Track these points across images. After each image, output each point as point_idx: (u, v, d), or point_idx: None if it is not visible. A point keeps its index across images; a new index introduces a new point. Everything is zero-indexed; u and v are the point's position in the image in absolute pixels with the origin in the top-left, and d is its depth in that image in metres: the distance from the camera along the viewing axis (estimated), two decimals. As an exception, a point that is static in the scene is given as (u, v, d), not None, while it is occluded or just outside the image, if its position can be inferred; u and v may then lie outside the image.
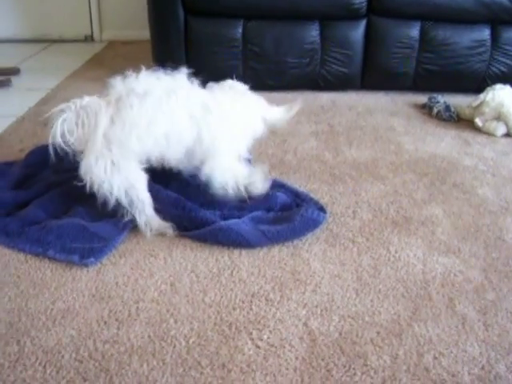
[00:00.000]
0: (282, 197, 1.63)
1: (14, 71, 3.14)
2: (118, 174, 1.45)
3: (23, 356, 1.15)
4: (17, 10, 3.89)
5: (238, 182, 1.60)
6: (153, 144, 1.49)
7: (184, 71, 1.59)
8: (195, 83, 1.61)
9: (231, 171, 1.59)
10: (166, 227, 1.52)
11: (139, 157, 1.50)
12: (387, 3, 2.52)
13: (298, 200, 1.65)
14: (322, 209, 1.60)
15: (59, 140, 1.42)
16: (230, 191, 1.59)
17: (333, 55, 2.57)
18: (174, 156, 1.54)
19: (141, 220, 1.51)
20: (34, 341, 1.19)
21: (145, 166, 1.52)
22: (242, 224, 1.48)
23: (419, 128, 2.28)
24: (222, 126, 1.55)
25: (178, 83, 1.56)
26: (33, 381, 1.09)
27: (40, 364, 1.13)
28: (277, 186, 1.71)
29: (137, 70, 1.55)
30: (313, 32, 2.55)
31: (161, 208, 1.54)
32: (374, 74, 2.64)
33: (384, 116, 2.40)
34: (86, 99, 1.45)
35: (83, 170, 1.44)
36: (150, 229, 1.52)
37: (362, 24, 2.55)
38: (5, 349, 1.17)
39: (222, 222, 1.49)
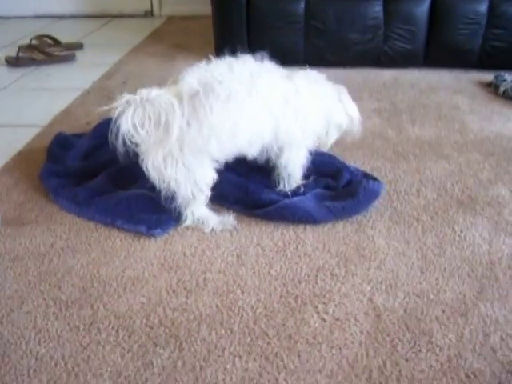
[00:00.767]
0: (345, 175, 1.63)
1: (78, 46, 3.22)
2: (187, 173, 1.38)
3: (97, 320, 1.20)
4: (79, -14, 3.97)
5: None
6: (234, 147, 1.43)
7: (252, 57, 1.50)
8: (270, 66, 1.51)
9: (302, 165, 1.57)
10: (226, 223, 1.49)
11: (215, 158, 1.43)
12: (455, -23, 2.45)
13: (354, 175, 1.66)
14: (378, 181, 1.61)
15: (128, 133, 1.30)
16: (298, 182, 1.60)
17: (396, 31, 2.53)
18: (252, 153, 1.49)
19: (195, 217, 1.48)
20: (106, 306, 1.24)
21: (219, 163, 1.46)
22: (306, 201, 1.49)
23: (484, 107, 2.23)
24: (297, 120, 1.48)
25: (256, 72, 1.44)
26: (106, 343, 1.14)
27: (113, 328, 1.18)
28: (336, 162, 1.72)
29: (206, 59, 1.46)
30: (376, 7, 2.51)
31: (224, 191, 1.54)
32: (437, 51, 2.59)
33: (448, 94, 2.35)
34: (154, 92, 1.31)
35: (150, 166, 1.36)
36: (208, 226, 1.47)
37: (428, -1, 2.50)
38: (79, 312, 1.23)
39: (287, 200, 1.50)
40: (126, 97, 1.30)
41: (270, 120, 1.44)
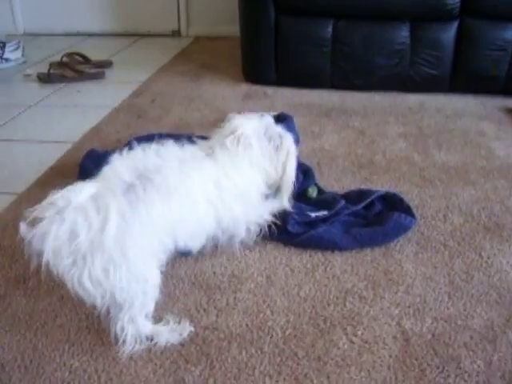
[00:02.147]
0: (377, 205, 1.63)
1: (107, 64, 3.28)
2: (134, 279, 1.14)
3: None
4: (109, 5, 4.05)
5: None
6: (177, 241, 1.29)
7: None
8: (193, 149, 1.40)
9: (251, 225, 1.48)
10: (182, 330, 1.24)
11: (157, 256, 1.24)
12: (482, 3, 2.47)
13: (389, 203, 1.65)
14: (413, 215, 1.57)
15: (51, 262, 1.07)
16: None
17: (422, 56, 2.56)
18: (197, 244, 1.39)
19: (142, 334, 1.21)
20: (138, 322, 1.26)
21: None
22: (333, 229, 1.51)
23: (511, 133, 2.24)
24: (235, 198, 1.39)
25: (184, 159, 1.34)
26: (139, 359, 1.17)
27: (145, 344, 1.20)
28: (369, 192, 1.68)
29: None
30: (403, 32, 2.54)
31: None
32: (463, 77, 2.60)
33: (473, 120, 2.36)
34: (72, 194, 1.08)
35: (86, 280, 1.09)
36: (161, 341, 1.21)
37: (455, 25, 2.52)
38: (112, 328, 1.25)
39: (313, 231, 1.50)
40: (45, 206, 1.08)
41: (209, 209, 1.34)
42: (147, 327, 1.21)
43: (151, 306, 1.21)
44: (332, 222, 1.54)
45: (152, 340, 1.21)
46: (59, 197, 1.08)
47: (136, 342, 1.19)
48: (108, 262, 1.10)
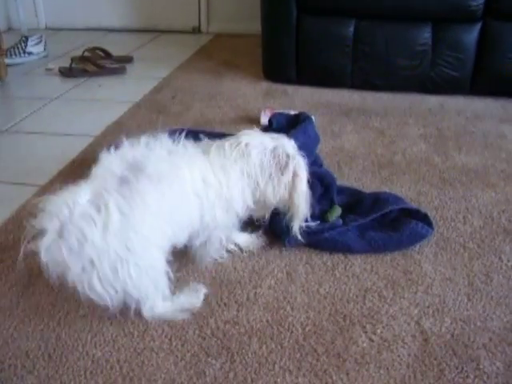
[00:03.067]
0: (394, 211, 1.59)
1: (128, 59, 3.31)
2: (143, 271, 1.18)
3: (150, 328, 1.25)
4: (130, 1, 4.08)
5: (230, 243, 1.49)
6: (172, 232, 1.28)
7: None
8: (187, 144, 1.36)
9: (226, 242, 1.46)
10: (195, 301, 1.32)
11: (159, 245, 1.25)
12: (506, 5, 2.45)
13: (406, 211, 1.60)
14: (429, 223, 1.55)
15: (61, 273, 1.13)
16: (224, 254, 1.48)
17: (444, 58, 2.54)
18: (182, 241, 1.35)
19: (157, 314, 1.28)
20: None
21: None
22: (349, 233, 1.50)
23: (532, 137, 2.23)
24: (219, 199, 1.34)
25: (175, 151, 1.32)
26: (160, 351, 1.19)
27: (166, 336, 1.22)
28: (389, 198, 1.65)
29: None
30: (425, 34, 2.53)
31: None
32: (484, 79, 2.59)
33: (494, 122, 2.35)
34: (71, 201, 1.12)
35: (97, 282, 1.14)
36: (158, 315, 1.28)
37: (477, 27, 2.50)
38: (134, 319, 1.27)
39: (327, 234, 1.49)
40: (47, 222, 1.11)
41: (195, 202, 1.31)
42: (167, 306, 1.28)
43: (166, 292, 1.26)
44: (347, 225, 1.53)
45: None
46: (60, 204, 1.12)
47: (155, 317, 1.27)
48: (115, 261, 1.13)
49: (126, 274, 1.15)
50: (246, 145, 1.37)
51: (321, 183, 1.65)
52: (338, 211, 1.59)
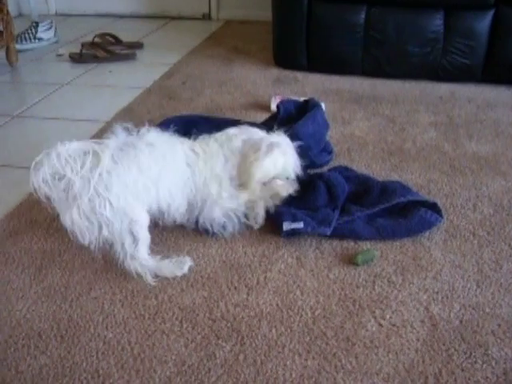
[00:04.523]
0: (403, 200, 1.57)
1: (139, 45, 3.31)
2: (118, 212, 1.31)
3: (161, 310, 1.26)
4: (141, -13, 4.07)
5: (237, 213, 1.53)
6: (159, 195, 1.40)
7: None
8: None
9: (227, 211, 1.51)
10: (182, 264, 1.40)
11: (144, 202, 1.38)
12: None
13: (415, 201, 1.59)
14: (439, 211, 1.55)
15: (42, 190, 1.27)
16: (231, 229, 1.52)
17: (455, 45, 2.53)
18: (178, 210, 1.47)
19: (131, 260, 1.35)
20: (170, 298, 1.30)
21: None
22: (357, 220, 1.51)
23: (543, 125, 2.22)
24: (207, 168, 1.49)
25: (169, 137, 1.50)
26: (171, 333, 1.20)
27: (177, 319, 1.24)
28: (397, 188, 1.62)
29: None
30: (437, 21, 2.51)
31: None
32: (496, 67, 2.57)
33: (505, 111, 2.34)
34: (74, 145, 1.29)
35: (76, 215, 1.28)
36: (144, 272, 1.35)
37: (490, 15, 2.48)
38: (144, 302, 1.29)
39: (335, 222, 1.49)
40: (41, 155, 1.28)
41: (187, 171, 1.46)
42: (150, 262, 1.36)
43: (144, 246, 1.36)
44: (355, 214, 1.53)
45: (157, 276, 1.36)
46: (60, 146, 1.28)
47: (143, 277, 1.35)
48: (93, 195, 1.27)
49: (101, 211, 1.28)
50: (233, 134, 1.57)
51: (327, 188, 1.61)
52: (371, 254, 1.43)
